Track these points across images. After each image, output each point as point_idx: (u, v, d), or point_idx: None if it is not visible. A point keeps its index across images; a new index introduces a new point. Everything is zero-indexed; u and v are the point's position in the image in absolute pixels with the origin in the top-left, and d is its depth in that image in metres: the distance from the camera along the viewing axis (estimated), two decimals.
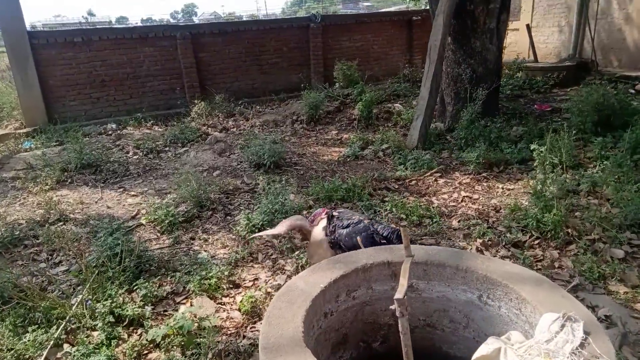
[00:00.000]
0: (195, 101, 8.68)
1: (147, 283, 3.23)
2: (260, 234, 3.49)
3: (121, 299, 3.05)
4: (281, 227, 3.35)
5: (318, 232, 2.97)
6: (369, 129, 7.39)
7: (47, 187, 5.36)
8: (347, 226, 2.77)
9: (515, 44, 11.52)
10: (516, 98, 8.39)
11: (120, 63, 8.84)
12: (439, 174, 5.29)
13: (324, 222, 2.98)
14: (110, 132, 7.88)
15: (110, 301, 2.98)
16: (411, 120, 6.70)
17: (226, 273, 3.39)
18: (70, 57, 8.45)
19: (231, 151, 6.50)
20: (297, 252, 3.69)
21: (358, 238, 2.64)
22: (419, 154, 5.63)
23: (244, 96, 9.57)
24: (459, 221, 4.16)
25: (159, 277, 3.46)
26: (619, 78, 8.57)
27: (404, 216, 4.20)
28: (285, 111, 8.41)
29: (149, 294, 3.11)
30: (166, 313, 3.07)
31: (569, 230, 3.64)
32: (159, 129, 8.01)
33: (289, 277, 3.40)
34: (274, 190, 4.71)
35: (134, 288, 3.21)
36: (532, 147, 4.88)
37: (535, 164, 4.94)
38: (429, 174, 5.29)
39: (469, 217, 4.22)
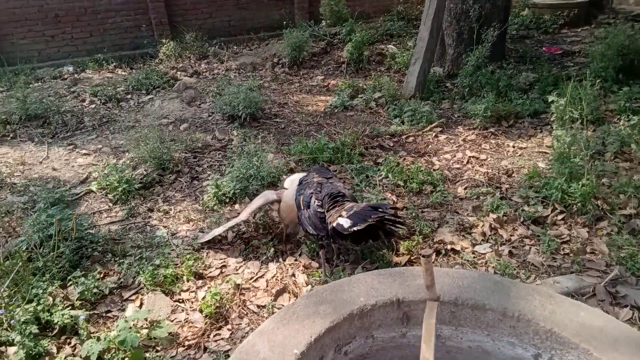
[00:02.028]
0: (164, 40, 7.68)
1: (85, 275, 2.60)
2: (216, 231, 2.95)
3: (50, 298, 2.42)
4: (247, 211, 2.86)
5: (289, 196, 2.79)
6: (360, 73, 6.58)
7: None
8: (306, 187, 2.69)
9: None
10: (522, 39, 7.56)
11: None
12: (440, 129, 4.61)
13: (295, 184, 2.83)
14: (66, 76, 6.93)
15: (36, 303, 2.35)
16: (407, 65, 5.91)
17: (189, 260, 2.75)
18: None
19: (202, 100, 5.69)
20: (284, 240, 3.06)
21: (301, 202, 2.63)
22: (416, 105, 4.91)
23: (219, 35, 8.55)
24: (465, 188, 3.54)
25: (104, 264, 2.82)
26: (636, 16, 7.76)
27: (402, 183, 3.56)
28: (265, 52, 7.49)
29: (87, 291, 2.48)
30: (110, 315, 2.46)
31: (599, 203, 3.06)
32: (123, 73, 7.07)
33: (264, 263, 2.79)
34: (249, 149, 4.00)
35: (69, 282, 2.57)
36: (550, 98, 4.20)
37: (552, 118, 4.28)
38: (428, 128, 4.60)
39: (477, 182, 3.60)
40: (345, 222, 2.28)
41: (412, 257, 2.75)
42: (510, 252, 2.75)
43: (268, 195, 2.98)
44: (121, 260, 2.81)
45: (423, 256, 1.26)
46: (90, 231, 3.11)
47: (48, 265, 2.63)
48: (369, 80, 6.10)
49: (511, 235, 2.89)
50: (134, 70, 7.02)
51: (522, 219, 3.01)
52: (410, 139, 4.46)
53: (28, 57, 7.51)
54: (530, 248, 2.78)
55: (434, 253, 2.78)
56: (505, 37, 6.35)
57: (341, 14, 8.24)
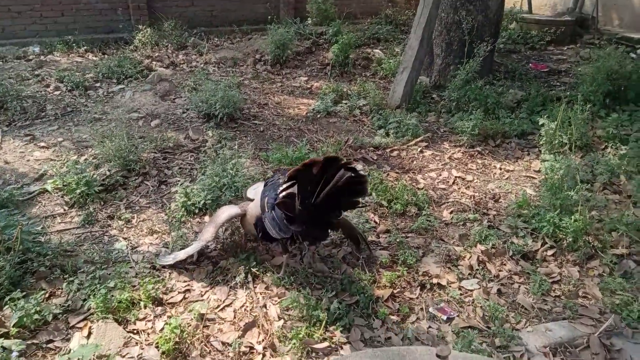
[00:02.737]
0: (140, 27, 7.26)
1: (27, 296, 2.28)
2: (179, 255, 2.66)
3: None
4: (210, 231, 2.60)
5: (255, 207, 2.56)
6: (344, 77, 6.35)
7: None
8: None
9: None
10: (509, 54, 7.47)
11: None
12: (426, 144, 4.43)
13: (259, 194, 2.58)
14: (31, 57, 6.44)
15: None
16: (394, 72, 5.72)
17: (148, 284, 2.46)
18: None
19: (177, 94, 5.34)
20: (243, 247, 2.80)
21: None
22: (402, 116, 4.71)
23: (200, 25, 8.16)
24: (451, 212, 3.36)
25: (50, 282, 2.51)
26: (620, 39, 7.76)
27: (385, 203, 3.35)
28: (247, 47, 7.16)
29: (26, 316, 2.17)
30: (51, 346, 2.15)
31: (589, 239, 2.92)
32: (94, 58, 6.63)
33: (233, 289, 2.53)
34: (224, 154, 3.72)
35: (6, 305, 2.25)
36: (540, 120, 4.07)
37: (540, 141, 4.16)
38: (413, 142, 4.41)
39: (463, 206, 3.43)
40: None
41: (395, 291, 2.55)
42: (499, 290, 2.57)
43: (231, 210, 2.73)
44: (71, 279, 2.50)
45: (438, 356, 1.03)
46: (41, 239, 2.79)
47: None
48: (354, 86, 5.88)
49: (500, 271, 2.72)
50: (106, 56, 6.61)
51: (511, 253, 2.85)
52: (395, 152, 4.26)
53: None
54: (519, 287, 2.61)
55: (419, 287, 2.59)
56: (494, 52, 6.22)
57: (328, 13, 7.99)
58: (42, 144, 4.12)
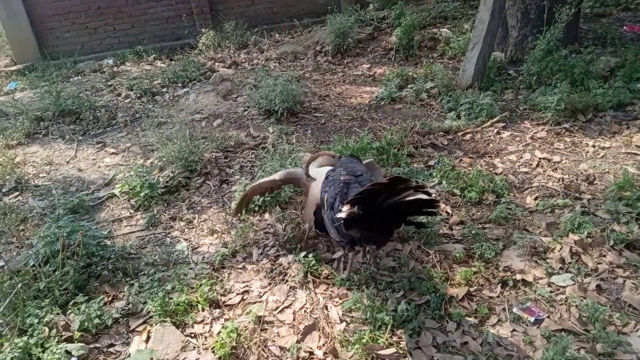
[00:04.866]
0: (203, 30, 7.40)
1: (89, 300, 2.29)
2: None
3: (47, 329, 2.12)
4: (276, 176, 2.60)
5: (316, 189, 2.40)
6: (409, 61, 5.99)
7: (15, 141, 4.43)
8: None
9: None
10: (597, 18, 6.65)
11: None
12: (503, 124, 4.00)
13: (321, 176, 2.40)
14: (105, 69, 6.80)
15: (29, 335, 2.06)
16: (464, 51, 5.26)
17: (205, 286, 2.38)
18: None
19: (239, 93, 5.33)
20: (303, 245, 2.64)
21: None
22: (474, 96, 4.31)
23: (261, 23, 8.18)
24: (535, 198, 2.95)
25: (113, 285, 2.51)
26: None
27: (458, 191, 3.03)
28: (307, 40, 7.02)
29: (88, 321, 2.17)
30: (112, 350, 2.13)
31: None
32: (162, 65, 6.85)
33: (292, 289, 2.38)
34: (283, 149, 3.59)
35: (69, 309, 2.26)
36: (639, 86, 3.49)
37: None
38: (489, 124, 4.00)
39: (550, 191, 3.01)
40: (341, 212, 1.91)
41: (470, 289, 2.24)
42: (598, 286, 2.18)
43: (297, 172, 2.62)
44: (132, 282, 2.48)
45: None
46: (107, 242, 2.82)
47: (51, 287, 2.35)
48: (419, 69, 5.51)
49: (598, 264, 2.31)
50: (173, 62, 6.80)
51: (611, 242, 2.41)
52: (468, 136, 3.89)
53: (72, 50, 7.47)
54: (624, 282, 2.19)
55: (499, 284, 2.26)
56: (579, 16, 5.54)
57: None
58: (112, 150, 4.26)
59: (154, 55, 7.23)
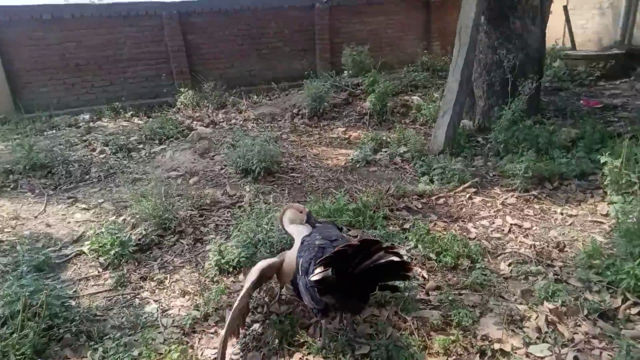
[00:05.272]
0: (182, 90, 7.53)
1: None
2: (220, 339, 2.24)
3: None
4: (243, 293, 2.30)
5: (293, 258, 2.36)
6: (383, 125, 6.22)
7: None
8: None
9: (548, 28, 10.17)
10: (556, 92, 7.15)
11: (98, 45, 7.69)
12: (474, 190, 4.13)
13: (299, 234, 2.48)
14: (81, 124, 6.76)
15: None
16: (434, 118, 5.52)
17: (174, 352, 2.26)
18: (39, 37, 7.33)
19: (216, 151, 5.36)
20: (278, 307, 2.56)
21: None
22: (446, 162, 4.46)
23: (239, 84, 8.41)
24: (509, 264, 3.00)
25: (76, 349, 2.36)
26: None
27: (434, 255, 3.05)
28: (284, 103, 7.24)
29: None
30: None
31: None
32: (139, 121, 6.89)
33: (266, 357, 2.28)
34: (259, 209, 3.58)
35: None
36: (602, 159, 3.70)
37: (605, 182, 3.77)
38: (461, 188, 4.12)
39: (523, 257, 3.06)
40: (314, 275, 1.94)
41: (449, 359, 2.21)
42: (575, 357, 2.17)
43: (263, 265, 2.43)
44: (96, 346, 2.34)
45: None
46: (72, 302, 2.68)
47: (6, 352, 2.18)
48: (393, 133, 5.71)
49: (574, 333, 2.33)
50: (150, 119, 6.83)
51: (585, 311, 2.45)
52: (441, 200, 3.98)
53: (48, 104, 7.46)
54: (601, 353, 2.20)
55: (478, 354, 2.23)
56: (540, 90, 5.94)
57: (364, 65, 8.03)
58: (84, 205, 4.15)
59: (131, 112, 7.28)
